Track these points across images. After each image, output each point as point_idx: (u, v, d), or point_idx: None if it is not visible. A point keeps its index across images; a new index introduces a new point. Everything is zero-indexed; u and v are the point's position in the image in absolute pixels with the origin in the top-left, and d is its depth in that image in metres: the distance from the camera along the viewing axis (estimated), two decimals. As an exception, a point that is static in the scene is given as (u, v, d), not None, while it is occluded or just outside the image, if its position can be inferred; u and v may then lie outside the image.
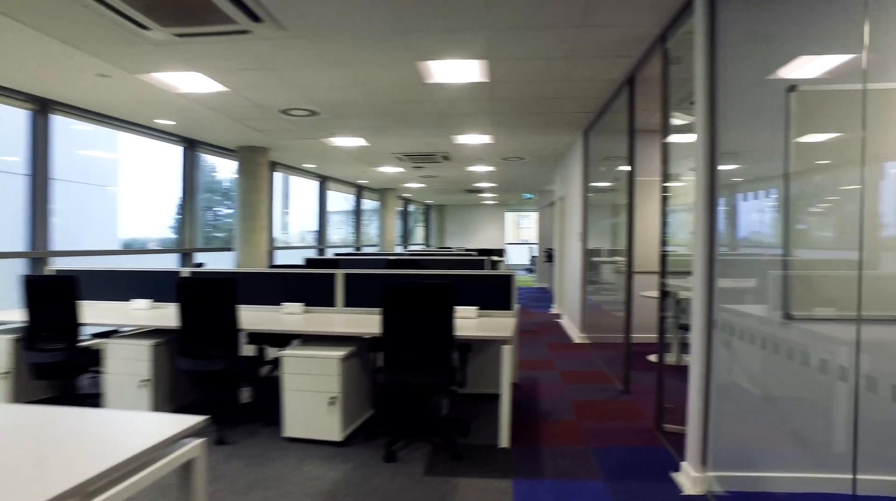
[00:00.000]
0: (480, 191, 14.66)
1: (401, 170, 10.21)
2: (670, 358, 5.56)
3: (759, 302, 2.56)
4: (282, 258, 9.05)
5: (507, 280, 3.98)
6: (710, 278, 2.59)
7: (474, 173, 10.71)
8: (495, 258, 16.57)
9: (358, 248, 13.70)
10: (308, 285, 4.19)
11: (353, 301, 4.11)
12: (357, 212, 13.78)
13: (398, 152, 8.27)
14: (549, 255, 13.70)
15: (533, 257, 19.57)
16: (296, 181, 11.26)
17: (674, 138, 3.37)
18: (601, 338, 6.38)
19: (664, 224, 3.40)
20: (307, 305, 4.15)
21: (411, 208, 19.37)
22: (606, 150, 6.18)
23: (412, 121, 6.07)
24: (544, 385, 4.72)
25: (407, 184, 13.27)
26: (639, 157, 4.52)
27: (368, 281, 4.11)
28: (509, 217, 23.75)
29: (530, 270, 21.33)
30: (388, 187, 13.90)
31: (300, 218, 12.41)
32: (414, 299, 3.04)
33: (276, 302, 4.18)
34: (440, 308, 3.03)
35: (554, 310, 9.61)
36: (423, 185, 13.24)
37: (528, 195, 15.19)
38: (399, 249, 15.81)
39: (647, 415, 3.88)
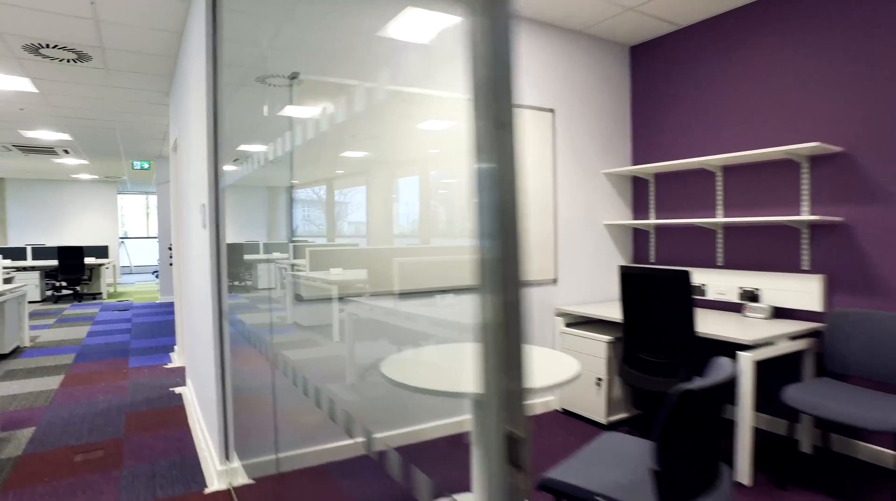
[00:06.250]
0: (52, 151, 8.78)
1: None
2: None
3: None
4: None
5: None
6: None
7: (-3, 98, 5.33)
8: (93, 260, 10.78)
9: None
10: None
11: None
12: None
13: None
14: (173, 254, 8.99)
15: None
16: None
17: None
18: (277, 465, 2.59)
19: None
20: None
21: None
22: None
23: None
24: None
25: None
26: None
27: None
28: (131, 201, 17.44)
29: (158, 273, 15.72)
30: None
31: None
32: None
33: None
34: None
35: (176, 362, 5.26)
36: None
37: (143, 164, 9.99)
38: None
39: None
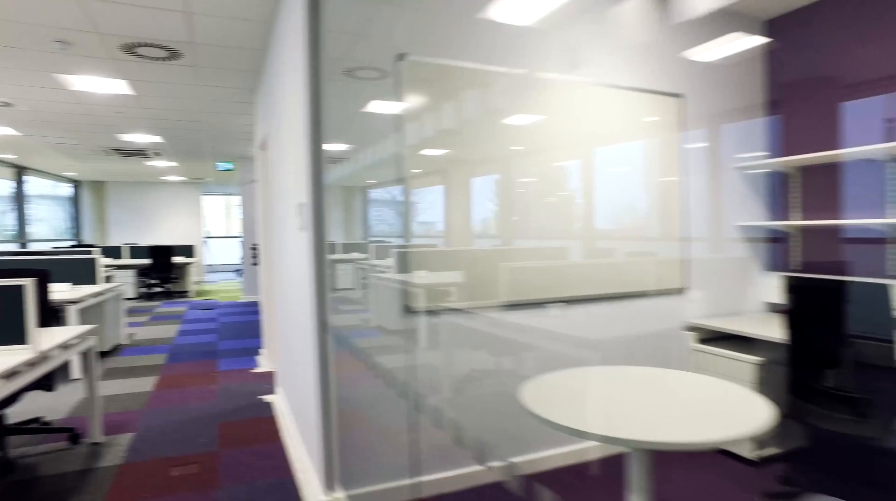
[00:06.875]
0: (144, 154, 9.12)
1: None
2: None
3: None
4: None
5: None
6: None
7: (90, 98, 5.46)
8: (180, 259, 11.18)
9: None
10: None
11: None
12: None
13: None
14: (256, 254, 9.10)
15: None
16: None
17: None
18: (389, 496, 2.32)
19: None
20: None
21: (52, 184, 12.20)
22: None
23: None
24: None
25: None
26: None
27: None
28: (216, 202, 18.08)
29: (241, 272, 16.24)
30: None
31: None
32: None
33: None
34: None
35: (263, 366, 5.17)
36: (13, 132, 7.16)
37: (226, 165, 10.24)
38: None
39: None
